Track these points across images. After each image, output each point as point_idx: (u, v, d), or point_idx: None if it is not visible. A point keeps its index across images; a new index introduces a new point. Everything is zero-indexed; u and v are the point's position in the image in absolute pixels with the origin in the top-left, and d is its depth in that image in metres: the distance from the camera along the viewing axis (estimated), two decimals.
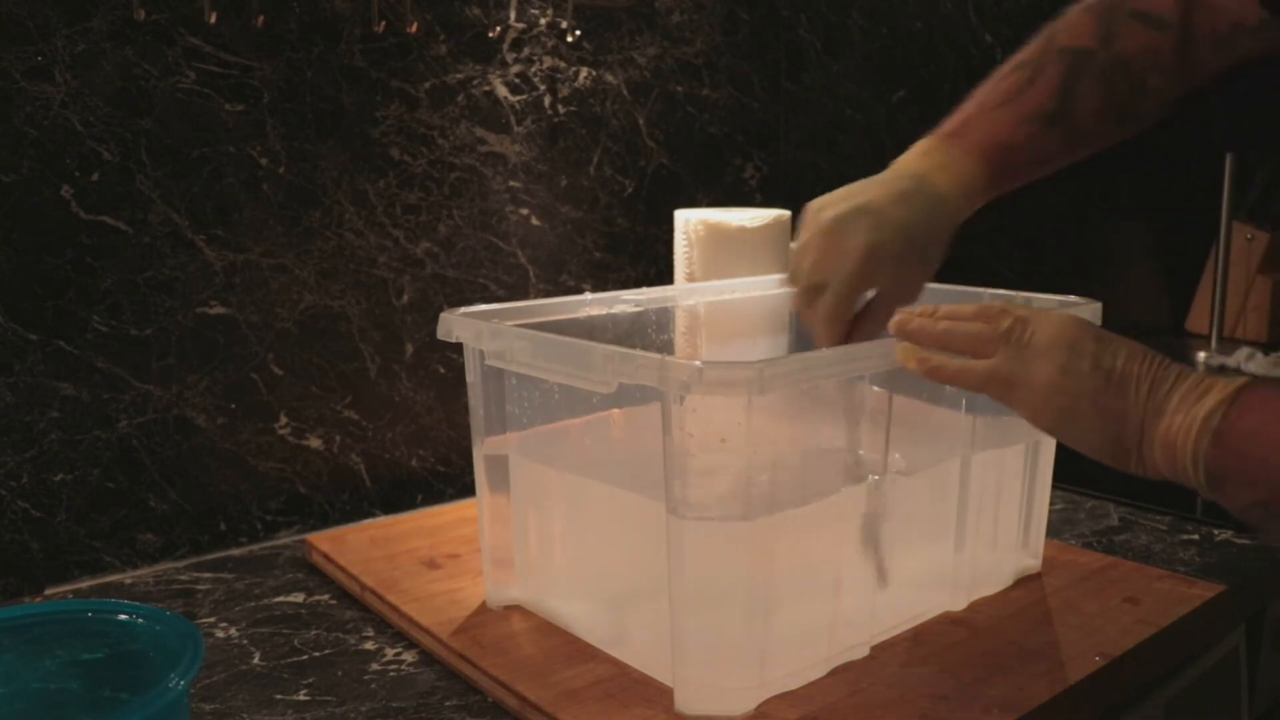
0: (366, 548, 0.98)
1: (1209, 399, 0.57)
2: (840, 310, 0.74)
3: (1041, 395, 0.63)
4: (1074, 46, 0.76)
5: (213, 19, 0.96)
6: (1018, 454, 0.89)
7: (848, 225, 0.73)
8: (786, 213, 1.15)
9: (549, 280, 1.23)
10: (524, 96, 1.18)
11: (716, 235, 1.09)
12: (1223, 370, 1.89)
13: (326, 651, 0.82)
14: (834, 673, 0.75)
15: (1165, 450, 0.59)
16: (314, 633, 0.85)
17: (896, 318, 0.68)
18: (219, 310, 1.00)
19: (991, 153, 0.76)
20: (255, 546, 1.04)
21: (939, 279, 1.00)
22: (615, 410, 0.82)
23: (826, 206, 0.75)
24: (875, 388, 0.76)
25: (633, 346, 0.84)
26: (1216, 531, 1.06)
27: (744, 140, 1.40)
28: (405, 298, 1.12)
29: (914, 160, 0.76)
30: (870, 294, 0.76)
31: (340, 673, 0.79)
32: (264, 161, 1.01)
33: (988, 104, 0.77)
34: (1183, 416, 0.58)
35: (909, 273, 0.76)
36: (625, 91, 1.26)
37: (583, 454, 0.85)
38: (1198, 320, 2.21)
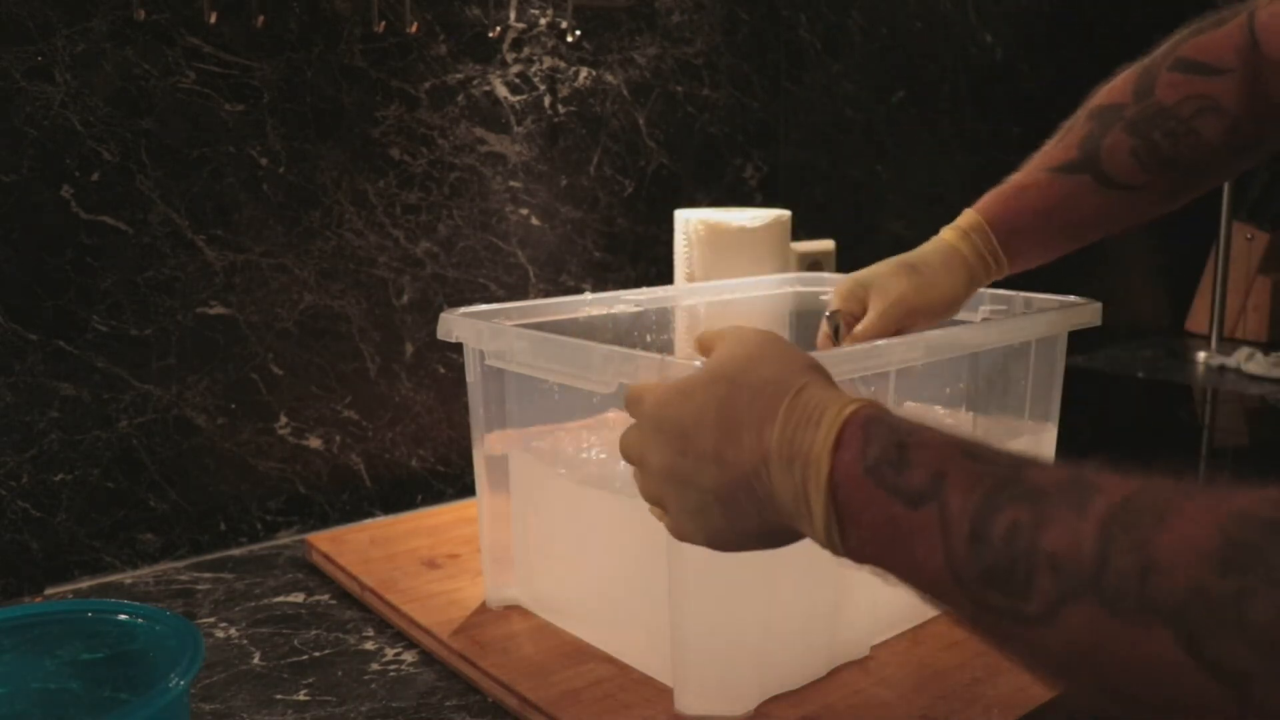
0: (366, 548, 0.98)
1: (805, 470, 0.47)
2: (825, 338, 0.80)
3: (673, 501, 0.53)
4: (1105, 104, 0.78)
5: (213, 19, 0.96)
6: (1018, 443, 0.88)
7: (897, 278, 0.79)
8: (786, 213, 1.15)
9: (549, 280, 1.23)
10: (524, 96, 1.18)
11: (716, 235, 1.10)
12: (1223, 371, 1.89)
13: (326, 651, 0.82)
14: (834, 673, 0.75)
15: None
16: (314, 633, 0.85)
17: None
18: (219, 310, 1.00)
19: (989, 202, 0.80)
20: (255, 546, 1.04)
21: None
22: (614, 412, 0.82)
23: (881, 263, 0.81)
24: (875, 388, 0.76)
25: (633, 346, 0.84)
26: None
27: (744, 140, 1.40)
28: (405, 298, 1.12)
29: (949, 230, 0.81)
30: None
31: (340, 673, 0.79)
32: (264, 161, 1.01)
33: (1020, 170, 0.81)
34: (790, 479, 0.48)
35: (887, 281, 0.79)
36: (625, 91, 1.26)
37: (582, 454, 0.85)
38: (1198, 320, 2.21)
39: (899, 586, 0.45)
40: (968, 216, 0.80)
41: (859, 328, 0.78)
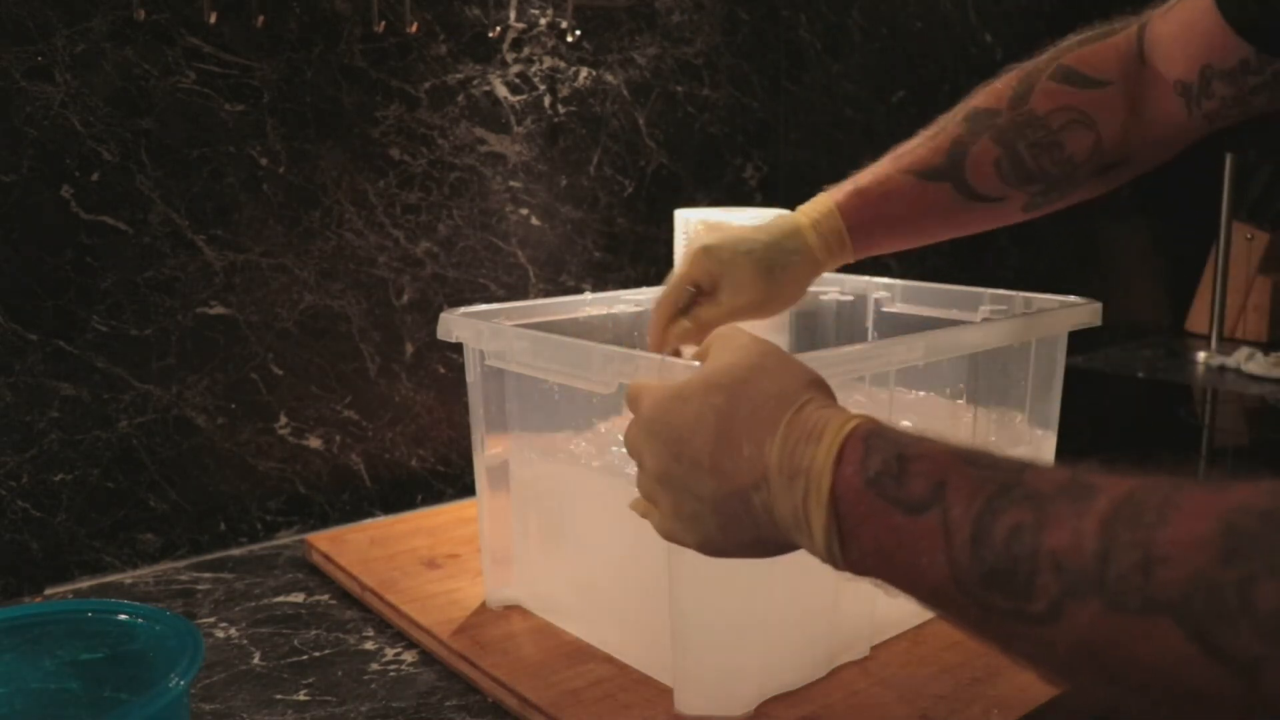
0: (366, 548, 0.98)
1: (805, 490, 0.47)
2: (668, 296, 0.78)
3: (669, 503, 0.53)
4: (981, 107, 0.78)
5: (213, 19, 0.96)
6: (1018, 438, 0.89)
7: (752, 273, 0.78)
8: (786, 213, 1.15)
9: (549, 280, 1.23)
10: (524, 96, 1.18)
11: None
12: (1223, 371, 1.89)
13: (326, 651, 0.82)
14: (834, 673, 0.75)
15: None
16: (314, 633, 0.85)
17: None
18: (219, 310, 1.00)
19: (851, 201, 0.79)
20: (255, 546, 1.04)
21: (942, 279, 1.00)
22: (615, 418, 0.82)
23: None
24: (875, 386, 0.76)
25: (633, 346, 0.84)
26: None
27: (744, 140, 1.40)
28: (405, 298, 1.12)
29: (806, 220, 0.80)
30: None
31: (340, 673, 0.79)
32: (264, 161, 1.01)
33: (885, 161, 0.81)
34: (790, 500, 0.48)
35: (744, 280, 0.78)
36: (625, 91, 1.26)
37: (583, 454, 0.85)
38: (1198, 320, 2.21)
39: (900, 597, 0.45)
40: (826, 208, 0.80)
41: (706, 312, 0.77)
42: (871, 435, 0.46)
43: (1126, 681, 0.36)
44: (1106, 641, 0.36)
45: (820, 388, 0.51)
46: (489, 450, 0.84)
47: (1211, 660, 0.33)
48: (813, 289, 1.05)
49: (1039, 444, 0.90)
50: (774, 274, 0.78)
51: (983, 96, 0.79)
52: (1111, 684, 0.37)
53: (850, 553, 0.45)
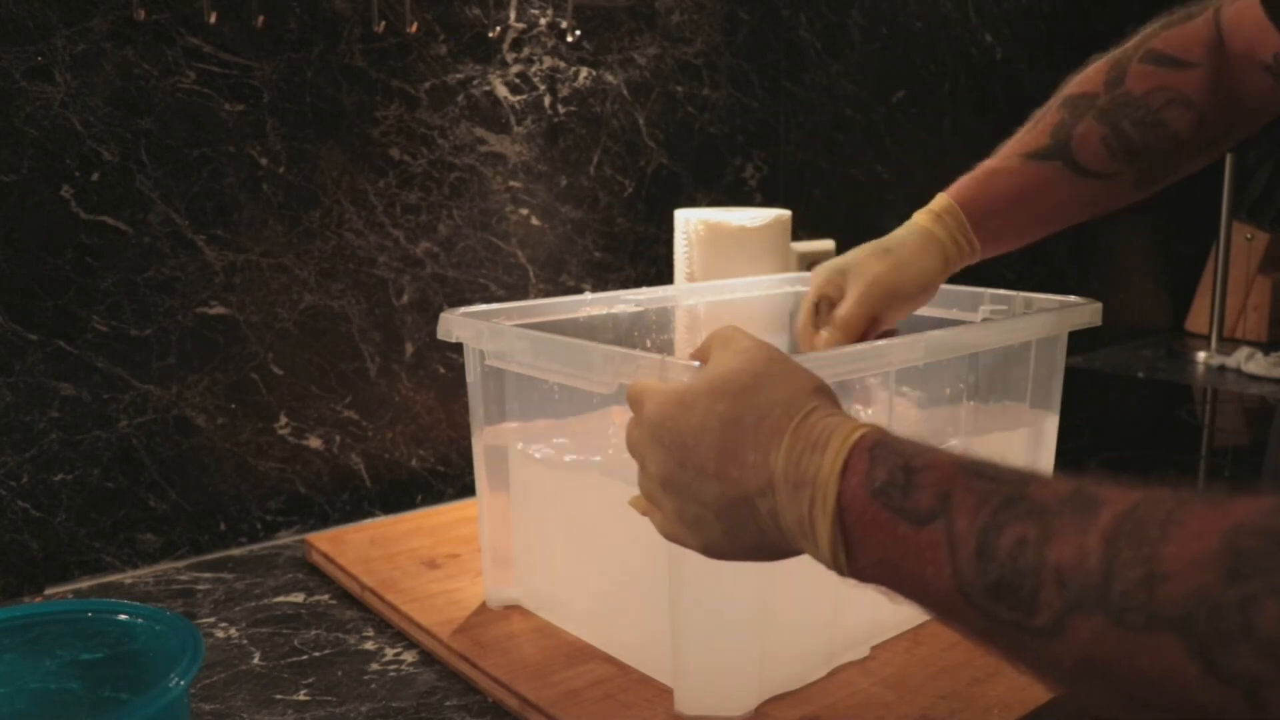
0: (366, 548, 0.98)
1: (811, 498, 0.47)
2: (804, 318, 0.81)
3: (672, 508, 0.53)
4: (1077, 93, 0.79)
5: (213, 19, 0.96)
6: (1019, 439, 0.89)
7: (872, 261, 0.80)
8: (786, 213, 1.15)
9: (549, 280, 1.23)
10: (524, 96, 1.18)
11: (716, 235, 1.10)
12: (1223, 371, 1.89)
13: (326, 651, 0.82)
14: (834, 673, 0.75)
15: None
16: (314, 633, 0.85)
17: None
18: (219, 310, 1.00)
19: (961, 185, 0.81)
20: (255, 546, 1.04)
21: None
22: (615, 409, 0.82)
23: (854, 250, 0.82)
24: (875, 384, 0.76)
25: (633, 346, 0.84)
26: None
27: (744, 140, 1.40)
28: (405, 298, 1.12)
29: (922, 213, 0.82)
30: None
31: (340, 673, 0.79)
32: (264, 161, 1.01)
33: (992, 156, 0.82)
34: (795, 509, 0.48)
35: (862, 266, 0.80)
36: (625, 91, 1.26)
37: (583, 454, 0.85)
38: (1198, 320, 2.21)
39: (905, 605, 0.45)
40: (940, 200, 0.81)
41: (839, 311, 0.78)
42: (877, 445, 0.46)
43: (1129, 696, 0.36)
44: (1109, 656, 0.36)
45: (825, 394, 0.51)
46: (489, 450, 0.84)
47: (1214, 678, 0.33)
48: None
49: (1039, 443, 0.90)
50: (891, 255, 0.79)
51: (1076, 84, 0.80)
52: (1114, 698, 0.37)
53: (856, 562, 0.46)
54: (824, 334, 0.79)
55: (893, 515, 0.43)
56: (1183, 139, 0.77)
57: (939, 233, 0.80)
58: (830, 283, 0.80)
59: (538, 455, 0.84)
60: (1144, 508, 0.37)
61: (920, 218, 0.81)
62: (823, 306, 0.80)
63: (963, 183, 0.81)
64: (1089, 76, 0.79)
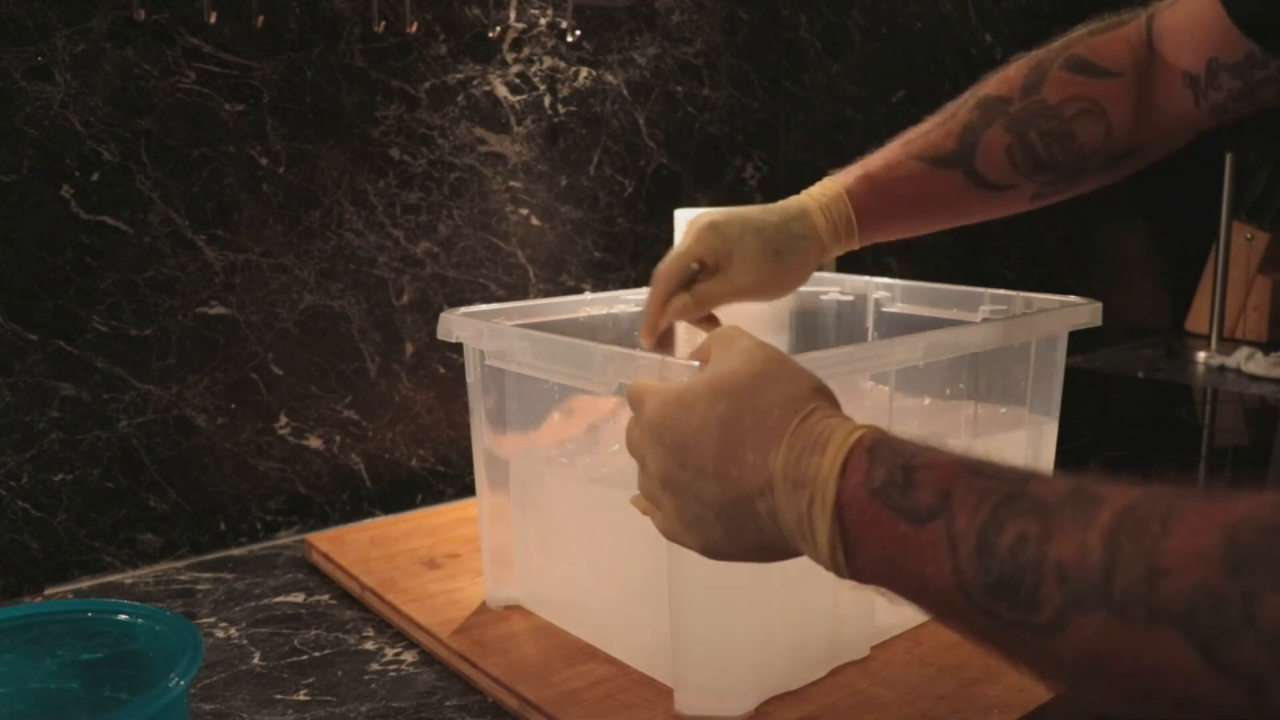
0: (366, 548, 0.98)
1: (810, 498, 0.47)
2: (670, 269, 0.77)
3: (672, 506, 0.53)
4: (993, 95, 0.78)
5: (213, 19, 0.96)
6: (1019, 439, 0.89)
7: (761, 260, 0.78)
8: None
9: (549, 280, 1.23)
10: (524, 96, 1.18)
11: None
12: (1223, 371, 1.89)
13: (326, 651, 0.82)
14: (834, 673, 0.75)
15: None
16: (314, 633, 0.85)
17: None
18: (219, 310, 1.00)
19: (860, 187, 0.79)
20: (255, 546, 1.04)
21: (942, 279, 1.00)
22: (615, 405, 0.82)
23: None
24: (875, 384, 0.76)
25: (633, 346, 0.84)
26: None
27: (744, 140, 1.40)
28: (405, 298, 1.12)
29: (811, 202, 0.80)
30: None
31: (340, 673, 0.79)
32: (264, 161, 1.01)
33: (893, 146, 0.80)
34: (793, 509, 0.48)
35: (750, 259, 0.77)
36: (625, 91, 1.26)
37: (583, 454, 0.85)
38: (1198, 320, 2.21)
39: (905, 605, 0.45)
40: (833, 190, 0.79)
41: (709, 287, 0.77)
42: (876, 445, 0.46)
43: (1131, 692, 0.37)
44: (1111, 652, 0.36)
45: (825, 395, 0.51)
46: (489, 450, 0.84)
47: (1216, 673, 0.33)
48: (813, 289, 1.05)
49: (1039, 444, 0.90)
50: (781, 256, 0.78)
51: (994, 84, 0.79)
52: (1116, 694, 0.37)
53: (855, 562, 0.46)
54: (685, 298, 0.76)
55: (892, 514, 0.43)
56: (1088, 153, 0.76)
57: (824, 229, 0.79)
58: (710, 248, 0.77)
59: (537, 455, 0.84)
60: (1144, 504, 0.37)
61: (810, 206, 0.79)
62: (690, 267, 0.77)
63: (861, 180, 0.79)
64: (1008, 77, 0.78)
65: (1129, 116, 0.76)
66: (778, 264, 0.77)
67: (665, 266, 0.77)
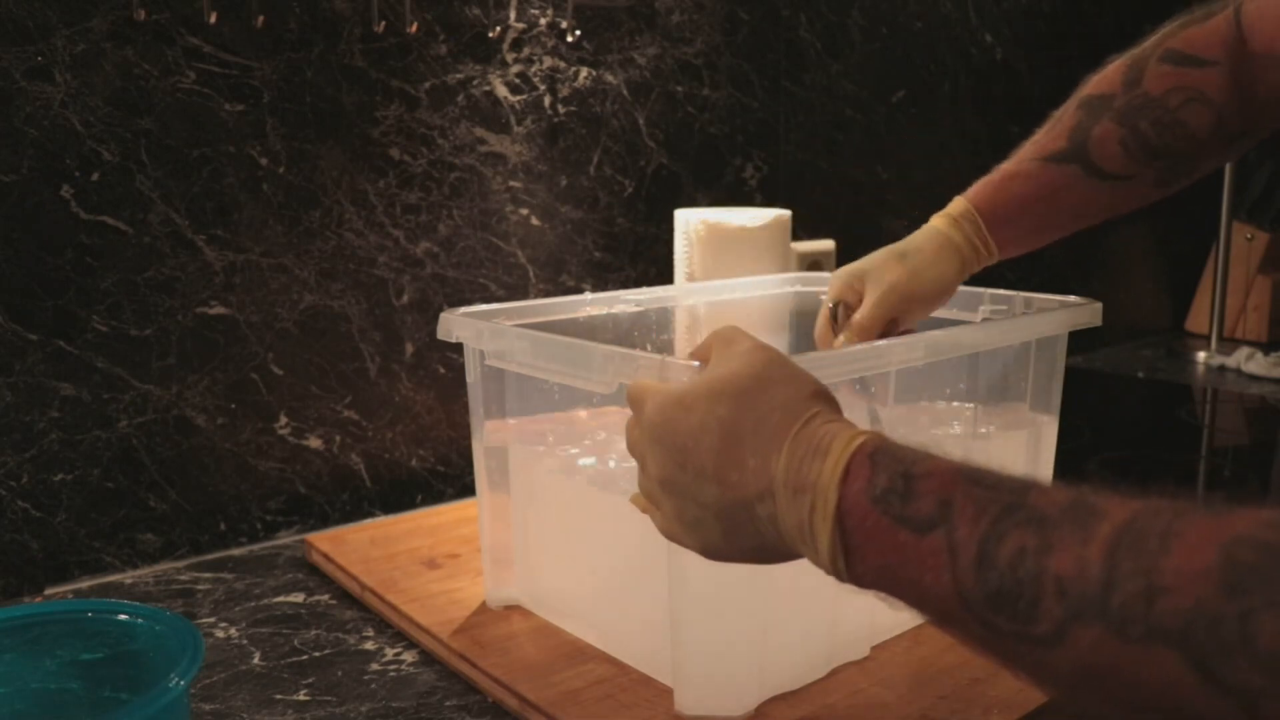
0: (366, 548, 0.98)
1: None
2: (822, 323, 0.81)
3: (671, 506, 0.53)
4: (1094, 94, 0.79)
5: (213, 19, 0.96)
6: (1019, 439, 0.89)
7: (889, 266, 0.80)
8: (786, 213, 1.15)
9: (549, 280, 1.23)
10: (524, 96, 1.18)
11: (717, 235, 1.10)
12: (1223, 371, 1.89)
13: (326, 651, 0.82)
14: (834, 673, 0.75)
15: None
16: (314, 633, 0.85)
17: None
18: (219, 310, 1.00)
19: (978, 190, 0.81)
20: (255, 546, 1.04)
21: None
22: (613, 408, 0.82)
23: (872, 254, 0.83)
24: (875, 385, 0.76)
25: (633, 346, 0.84)
26: None
27: (744, 140, 1.40)
28: (405, 298, 1.12)
29: (939, 217, 0.82)
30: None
31: (340, 673, 0.79)
32: (264, 161, 1.01)
33: (1009, 160, 0.82)
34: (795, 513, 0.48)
35: (880, 269, 0.81)
36: (625, 91, 1.26)
37: (583, 454, 0.85)
38: (1198, 320, 2.21)
39: (904, 611, 0.45)
40: (958, 204, 0.81)
41: (856, 316, 0.79)
42: (878, 452, 0.46)
43: (1128, 706, 0.37)
44: (1109, 667, 0.36)
45: (826, 400, 0.51)
46: (489, 450, 0.84)
47: (1212, 691, 0.33)
48: (813, 289, 1.05)
49: (1040, 445, 0.90)
50: (908, 258, 0.79)
51: (1093, 84, 0.79)
52: (1112, 707, 0.37)
53: (855, 568, 0.46)
54: (842, 338, 0.79)
55: (893, 522, 0.43)
56: (1201, 138, 0.77)
57: (955, 237, 0.80)
58: (848, 287, 0.80)
59: (537, 455, 0.84)
60: (1143, 519, 0.37)
61: (937, 221, 0.81)
62: (840, 311, 0.80)
63: (979, 187, 0.81)
64: (1106, 77, 0.79)
65: (1234, 101, 0.76)
66: (908, 270, 0.79)
67: (818, 326, 0.82)
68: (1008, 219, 0.80)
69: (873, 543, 0.44)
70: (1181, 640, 0.34)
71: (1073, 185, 0.79)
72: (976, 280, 0.94)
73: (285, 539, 1.06)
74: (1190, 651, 0.34)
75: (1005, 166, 0.81)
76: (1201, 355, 1.98)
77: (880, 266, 0.80)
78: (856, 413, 0.75)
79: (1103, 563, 0.36)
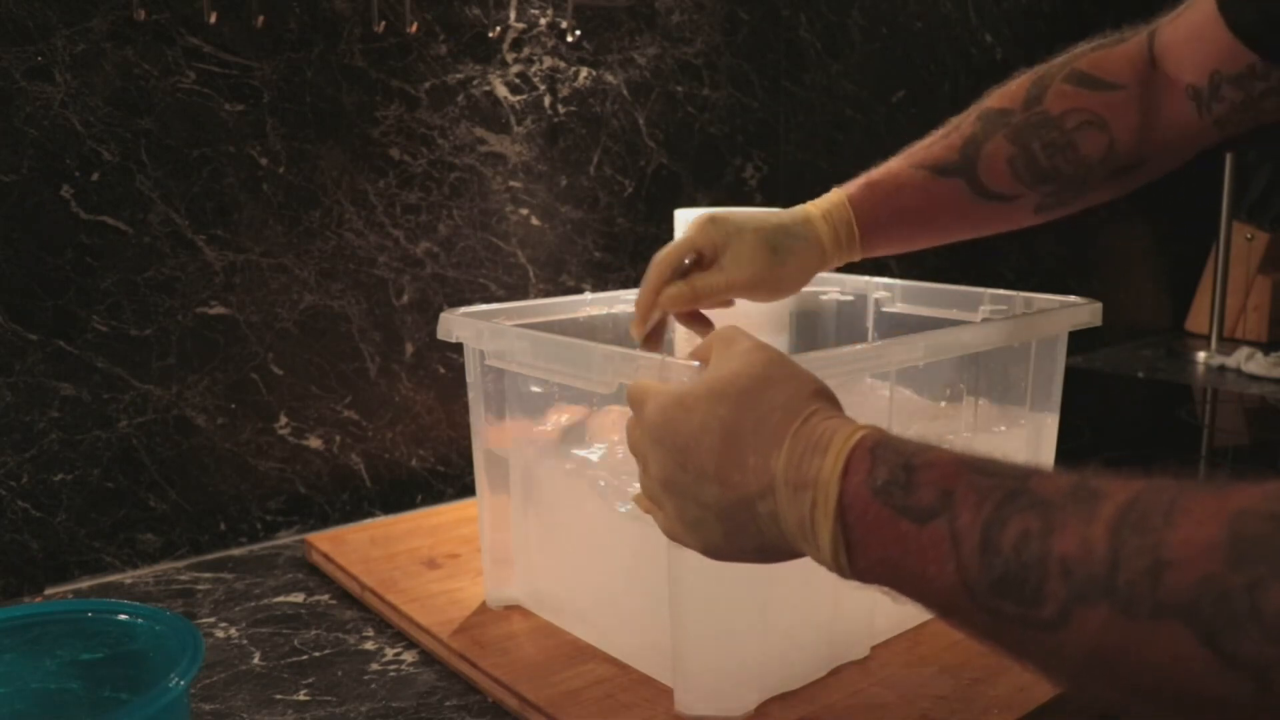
0: (366, 548, 0.98)
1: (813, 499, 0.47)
2: (667, 257, 0.77)
3: (673, 506, 0.53)
4: (995, 107, 0.78)
5: (213, 19, 0.96)
6: (1019, 439, 0.89)
7: (759, 256, 0.77)
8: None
9: (549, 280, 1.23)
10: (524, 96, 1.18)
11: None
12: (1223, 371, 1.89)
13: (326, 651, 0.82)
14: (834, 673, 0.75)
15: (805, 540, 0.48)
16: (314, 633, 0.85)
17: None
18: (219, 310, 1.00)
19: (862, 194, 0.79)
20: (255, 546, 1.04)
21: (942, 279, 1.00)
22: (614, 408, 0.82)
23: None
24: (875, 383, 0.76)
25: (633, 346, 0.84)
26: None
27: (744, 140, 1.40)
28: (405, 298, 1.12)
29: (815, 209, 0.80)
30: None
31: (340, 673, 0.79)
32: (264, 161, 1.01)
33: (897, 158, 0.81)
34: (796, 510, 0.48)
35: (747, 253, 0.77)
36: (625, 91, 1.26)
37: (583, 454, 0.85)
38: (1198, 320, 2.21)
39: (908, 605, 0.45)
40: (836, 197, 0.80)
41: (706, 279, 0.76)
42: (878, 445, 0.46)
43: (1137, 686, 0.36)
44: (1117, 647, 0.36)
45: (826, 397, 0.51)
46: (489, 450, 0.84)
47: (1222, 665, 0.33)
48: (813, 289, 1.05)
49: (1039, 444, 0.90)
50: (778, 254, 0.77)
51: (996, 97, 0.79)
52: (1122, 689, 0.37)
53: (858, 562, 0.46)
54: (680, 287, 0.76)
55: (894, 514, 0.43)
56: (1090, 165, 0.76)
57: (826, 235, 0.79)
58: (710, 243, 0.77)
59: (538, 455, 0.84)
60: (1147, 497, 0.37)
61: (812, 212, 0.80)
62: (690, 258, 0.77)
63: (861, 187, 0.80)
64: (1010, 91, 0.79)
65: (1132, 129, 0.76)
66: (774, 262, 0.77)
67: (662, 254, 0.77)
68: (883, 226, 0.80)
69: (874, 535, 0.44)
70: (1190, 614, 0.34)
71: (954, 202, 0.78)
72: (976, 280, 0.94)
73: (285, 539, 1.06)
74: (1199, 625, 0.33)
75: (892, 166, 0.80)
76: (1201, 355, 1.98)
77: (750, 252, 0.76)
78: (857, 411, 0.75)
79: (1107, 541, 0.36)
